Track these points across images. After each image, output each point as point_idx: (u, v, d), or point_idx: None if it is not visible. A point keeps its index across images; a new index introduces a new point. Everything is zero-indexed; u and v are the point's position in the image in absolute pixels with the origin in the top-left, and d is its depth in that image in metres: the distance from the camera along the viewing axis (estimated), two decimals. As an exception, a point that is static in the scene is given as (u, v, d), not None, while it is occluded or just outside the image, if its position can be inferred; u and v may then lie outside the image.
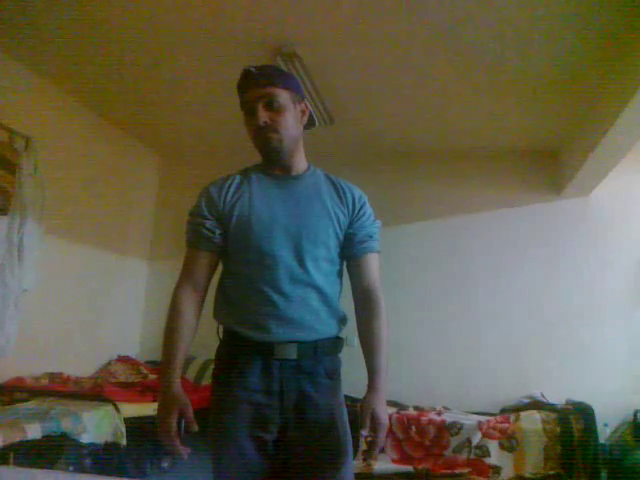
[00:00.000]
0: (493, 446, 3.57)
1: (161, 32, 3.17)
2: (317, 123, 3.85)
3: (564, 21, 2.85)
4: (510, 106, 3.88)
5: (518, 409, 3.88)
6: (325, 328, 1.60)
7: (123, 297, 4.88)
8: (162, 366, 1.54)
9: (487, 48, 3.14)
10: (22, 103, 3.61)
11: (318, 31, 3.10)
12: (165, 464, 3.50)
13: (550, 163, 4.60)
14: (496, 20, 2.88)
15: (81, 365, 4.20)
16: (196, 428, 1.45)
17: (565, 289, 4.37)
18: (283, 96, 1.62)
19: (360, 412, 1.51)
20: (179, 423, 1.45)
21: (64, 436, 2.66)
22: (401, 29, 3.02)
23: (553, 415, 3.63)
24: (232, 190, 1.65)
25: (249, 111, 1.63)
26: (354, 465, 1.60)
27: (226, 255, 1.64)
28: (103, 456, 2.90)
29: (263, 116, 1.59)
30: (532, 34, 2.98)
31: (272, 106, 1.60)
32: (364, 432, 1.49)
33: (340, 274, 1.71)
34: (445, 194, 4.79)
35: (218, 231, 1.62)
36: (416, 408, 4.07)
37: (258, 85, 1.61)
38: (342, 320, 1.67)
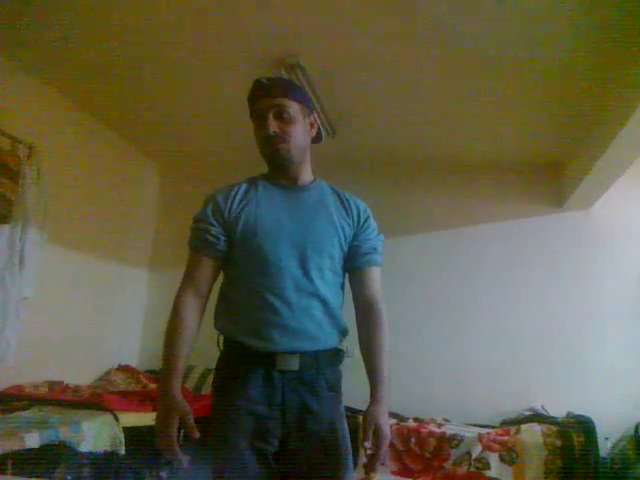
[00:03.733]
0: (493, 459, 3.55)
1: (164, 43, 3.18)
2: (324, 138, 3.85)
3: (566, 32, 2.86)
4: (513, 118, 3.89)
5: (519, 422, 3.86)
6: (327, 339, 1.60)
7: (123, 306, 4.87)
8: (162, 372, 1.53)
9: (489, 61, 3.15)
10: (25, 111, 3.62)
11: (321, 42, 3.11)
12: (164, 473, 3.49)
13: (552, 176, 4.61)
14: (497, 34, 2.90)
15: (81, 374, 4.18)
16: (197, 435, 1.43)
17: (566, 302, 4.36)
18: (293, 107, 1.64)
19: (363, 424, 1.50)
20: (179, 430, 1.44)
21: (63, 445, 2.64)
22: (404, 42, 3.03)
23: (554, 428, 3.61)
24: (238, 198, 1.66)
25: (259, 120, 1.64)
26: (354, 477, 1.60)
27: (229, 263, 1.65)
28: (102, 465, 2.89)
29: (273, 126, 1.61)
30: (535, 46, 2.99)
31: (282, 116, 1.62)
32: (367, 444, 1.48)
33: (342, 286, 1.71)
34: (446, 206, 4.79)
35: (223, 238, 1.62)
36: (416, 420, 4.05)
37: (269, 95, 1.62)
38: (343, 332, 1.67)
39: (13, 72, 3.53)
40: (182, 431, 1.44)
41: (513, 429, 3.71)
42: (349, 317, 1.70)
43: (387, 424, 1.52)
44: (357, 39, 3.05)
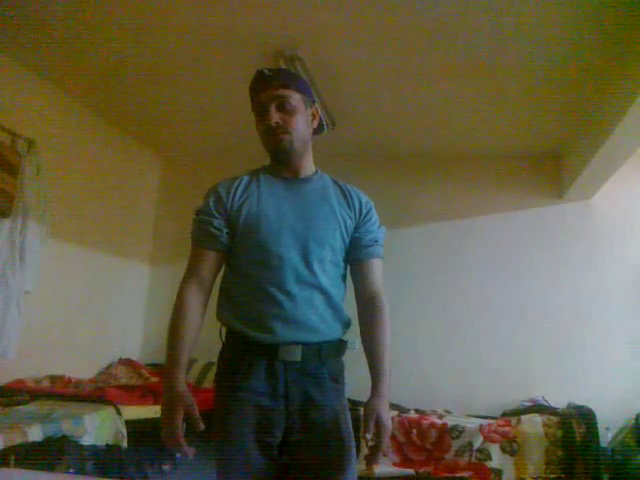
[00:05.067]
0: (494, 450, 3.56)
1: (163, 35, 3.18)
2: (326, 129, 3.84)
3: (565, 25, 2.86)
4: (512, 109, 3.88)
5: (519, 412, 3.87)
6: (329, 330, 1.60)
7: (125, 300, 4.88)
8: (167, 364, 1.52)
9: (488, 52, 3.15)
10: (25, 106, 3.62)
11: (320, 34, 3.10)
12: (166, 467, 3.50)
13: (552, 167, 4.61)
14: (497, 23, 2.89)
15: (82, 367, 4.20)
16: (202, 427, 1.42)
17: (566, 293, 4.37)
18: (295, 98, 1.64)
19: (364, 417, 1.50)
20: (183, 422, 1.44)
21: (65, 438, 2.66)
22: (403, 32, 3.03)
23: (555, 419, 3.62)
24: (240, 190, 1.66)
25: (261, 112, 1.64)
26: (357, 468, 1.60)
27: (231, 255, 1.64)
28: (104, 458, 2.89)
29: (275, 117, 1.60)
30: (534, 38, 2.99)
31: (284, 107, 1.62)
32: (368, 436, 1.48)
33: (344, 278, 1.71)
34: (446, 197, 4.79)
35: (225, 230, 1.62)
36: (417, 411, 4.07)
37: (271, 87, 1.62)
38: (346, 324, 1.67)
39: (13, 67, 3.52)
40: (185, 423, 1.44)
41: (514, 420, 3.72)
42: (351, 309, 1.70)
43: (388, 416, 1.51)
44: (356, 31, 3.04)
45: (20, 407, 2.93)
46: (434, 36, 3.03)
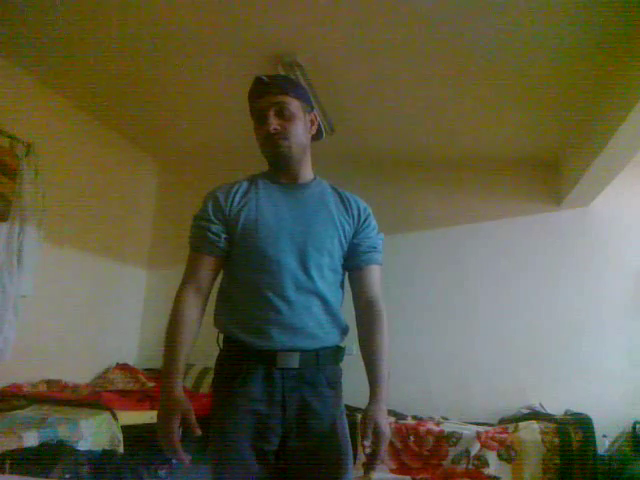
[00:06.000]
0: (492, 457, 3.56)
1: (162, 39, 3.18)
2: (324, 135, 3.84)
3: (564, 31, 2.86)
4: (510, 116, 3.89)
5: (517, 419, 3.86)
6: (327, 337, 1.60)
7: (122, 304, 4.87)
8: (163, 369, 1.51)
9: (487, 58, 3.15)
10: (23, 109, 3.61)
11: (319, 40, 3.11)
12: (162, 472, 3.48)
13: (550, 173, 4.61)
14: (496, 30, 2.89)
15: (79, 372, 4.18)
16: (199, 432, 1.42)
17: (564, 300, 4.36)
18: (294, 104, 1.64)
19: (362, 423, 1.50)
20: (180, 427, 1.43)
21: (61, 443, 2.64)
22: (402, 39, 3.03)
23: (552, 426, 3.62)
24: (239, 195, 1.66)
25: (260, 118, 1.64)
26: (354, 475, 1.59)
27: (229, 261, 1.64)
28: (100, 464, 2.88)
29: (273, 123, 1.61)
30: (533, 44, 2.99)
31: (283, 114, 1.62)
32: (366, 443, 1.47)
33: (342, 285, 1.71)
34: (445, 204, 4.79)
35: (223, 235, 1.61)
36: (415, 418, 4.06)
37: (270, 93, 1.62)
38: (344, 330, 1.67)
39: (11, 70, 3.52)
40: (181, 429, 1.43)
41: (511, 427, 3.71)
42: (349, 315, 1.70)
43: (386, 423, 1.51)
44: (355, 37, 3.04)
45: (16, 412, 2.92)
46: (433, 41, 3.04)
